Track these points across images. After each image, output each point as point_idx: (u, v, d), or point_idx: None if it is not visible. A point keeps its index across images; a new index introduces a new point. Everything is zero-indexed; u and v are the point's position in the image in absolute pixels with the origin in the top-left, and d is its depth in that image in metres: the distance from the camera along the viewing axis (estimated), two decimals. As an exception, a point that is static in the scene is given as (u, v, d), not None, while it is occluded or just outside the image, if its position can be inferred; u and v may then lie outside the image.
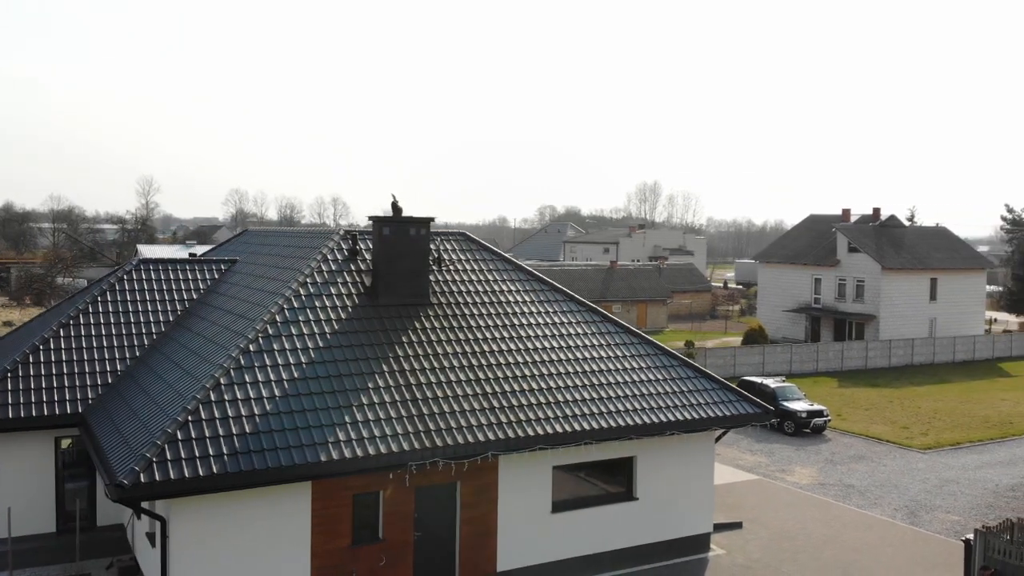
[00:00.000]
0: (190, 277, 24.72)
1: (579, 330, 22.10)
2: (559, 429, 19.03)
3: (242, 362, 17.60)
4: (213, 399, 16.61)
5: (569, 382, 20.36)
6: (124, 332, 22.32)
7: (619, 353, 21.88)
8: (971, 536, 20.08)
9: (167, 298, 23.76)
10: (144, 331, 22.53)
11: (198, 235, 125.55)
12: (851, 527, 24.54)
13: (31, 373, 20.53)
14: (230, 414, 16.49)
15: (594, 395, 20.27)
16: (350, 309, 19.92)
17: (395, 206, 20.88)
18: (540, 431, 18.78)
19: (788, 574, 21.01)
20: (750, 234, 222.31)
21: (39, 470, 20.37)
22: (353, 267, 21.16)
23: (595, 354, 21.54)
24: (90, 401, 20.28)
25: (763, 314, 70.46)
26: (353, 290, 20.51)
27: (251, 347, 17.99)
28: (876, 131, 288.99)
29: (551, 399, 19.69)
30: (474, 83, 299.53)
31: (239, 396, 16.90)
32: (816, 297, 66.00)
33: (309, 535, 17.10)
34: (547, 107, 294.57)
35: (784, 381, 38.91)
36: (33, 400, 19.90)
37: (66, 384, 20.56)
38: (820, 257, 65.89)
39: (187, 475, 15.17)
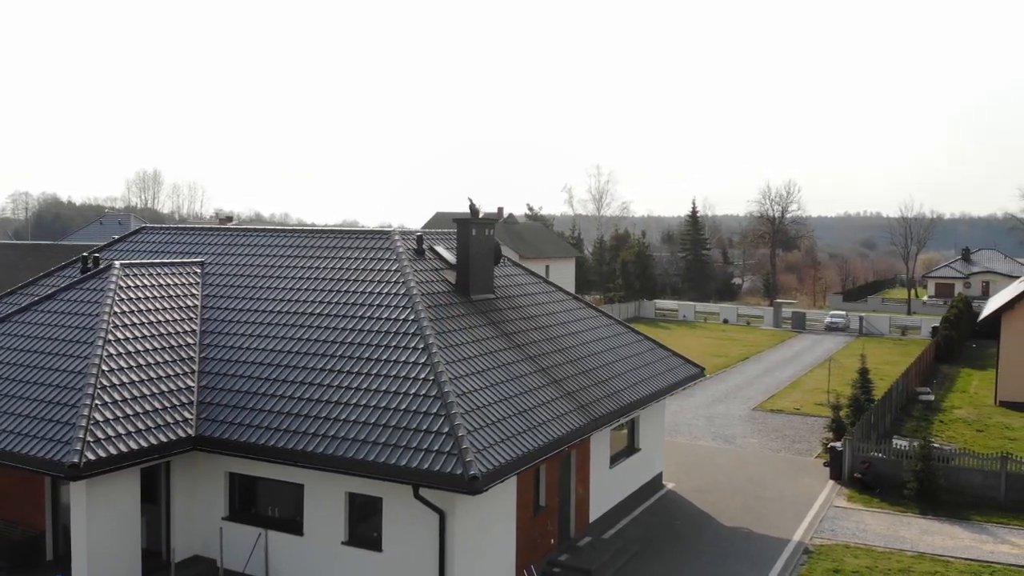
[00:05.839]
0: (171, 282, 22.36)
1: (582, 315, 25.86)
2: (635, 397, 22.95)
3: (441, 358, 18.28)
4: (456, 394, 17.34)
5: (610, 357, 24.22)
6: (164, 345, 20.00)
7: (613, 332, 26.19)
8: (838, 444, 28.81)
9: (170, 305, 21.46)
10: (180, 342, 20.40)
11: None
12: (712, 456, 32.00)
13: (116, 398, 17.80)
14: (475, 406, 17.47)
15: (628, 367, 24.45)
16: (460, 305, 21.16)
17: (472, 208, 22.32)
18: (627, 400, 22.51)
19: (730, 493, 27.51)
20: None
21: (125, 511, 17.72)
22: (426, 266, 22.10)
23: (605, 333, 25.59)
24: (191, 421, 18.39)
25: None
26: (444, 287, 21.62)
27: (430, 343, 18.58)
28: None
29: (612, 373, 23.40)
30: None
31: (464, 389, 17.81)
32: (457, 284, 73.81)
33: (515, 510, 18.76)
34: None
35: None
36: (130, 430, 17.41)
37: (156, 407, 18.24)
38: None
39: (489, 468, 16.16)
